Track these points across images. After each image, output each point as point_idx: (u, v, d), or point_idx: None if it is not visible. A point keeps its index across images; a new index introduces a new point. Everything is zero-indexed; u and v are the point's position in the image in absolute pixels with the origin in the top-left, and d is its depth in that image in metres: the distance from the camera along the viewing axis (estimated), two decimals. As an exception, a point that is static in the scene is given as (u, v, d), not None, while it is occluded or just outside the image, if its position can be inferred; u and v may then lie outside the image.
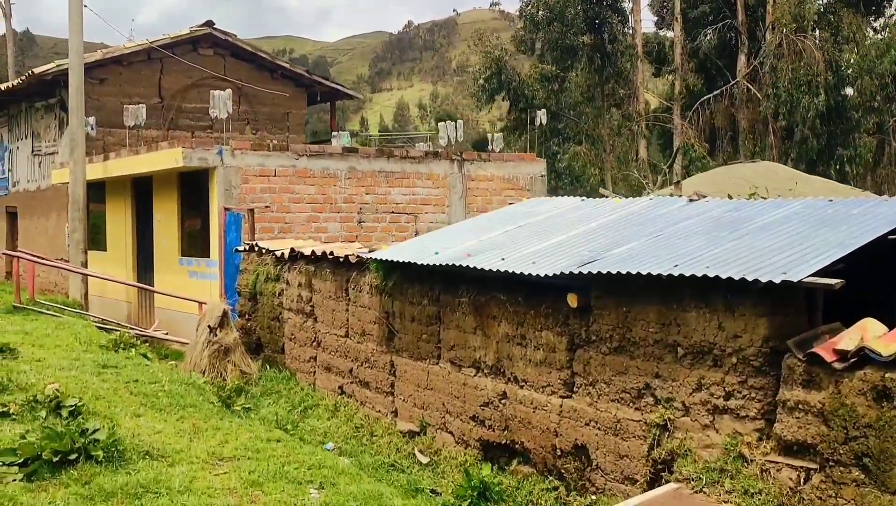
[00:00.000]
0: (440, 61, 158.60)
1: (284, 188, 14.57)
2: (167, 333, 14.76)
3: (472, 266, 7.58)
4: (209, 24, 20.71)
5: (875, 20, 45.55)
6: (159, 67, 20.53)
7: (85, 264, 15.88)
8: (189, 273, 14.96)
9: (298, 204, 14.70)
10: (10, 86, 20.73)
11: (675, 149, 42.99)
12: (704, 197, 8.26)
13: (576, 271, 6.64)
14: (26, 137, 23.00)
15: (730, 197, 8.64)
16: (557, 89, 42.09)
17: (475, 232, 9.06)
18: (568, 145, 42.07)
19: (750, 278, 5.52)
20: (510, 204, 16.79)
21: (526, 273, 7.04)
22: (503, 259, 7.62)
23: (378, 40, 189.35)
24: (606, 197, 10.70)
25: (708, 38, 44.51)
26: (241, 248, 12.57)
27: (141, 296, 16.91)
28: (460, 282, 8.17)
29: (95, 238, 19.06)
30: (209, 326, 11.51)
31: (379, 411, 9.40)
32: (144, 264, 16.86)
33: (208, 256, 14.32)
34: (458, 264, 7.73)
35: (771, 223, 6.76)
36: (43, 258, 15.34)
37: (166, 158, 14.12)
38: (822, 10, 41.74)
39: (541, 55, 43.04)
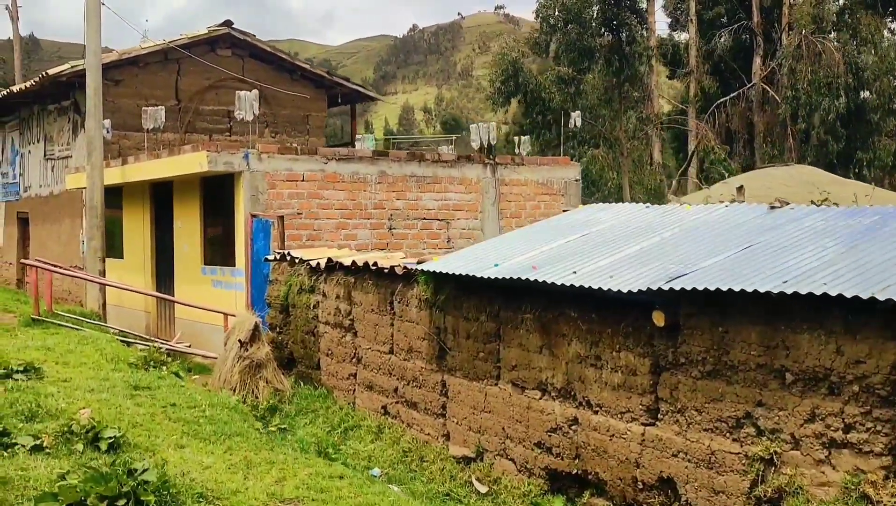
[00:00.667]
0: (445, 65, 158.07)
1: (313, 193, 13.95)
2: (190, 346, 14.14)
3: (540, 280, 6.94)
4: (227, 23, 20.12)
5: (893, 21, 44.90)
6: (176, 69, 19.94)
7: (103, 273, 15.27)
8: (213, 283, 14.34)
9: (327, 210, 14.08)
10: (24, 88, 20.15)
11: (690, 152, 42.39)
12: (788, 204, 7.61)
13: (665, 287, 5.99)
14: (38, 141, 22.42)
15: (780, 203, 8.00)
16: (574, 92, 41.46)
17: (532, 242, 8.41)
18: (584, 149, 41.44)
19: (882, 298, 4.88)
20: (540, 208, 16.16)
21: (605, 288, 6.41)
22: (575, 272, 6.97)
23: (383, 44, 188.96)
24: (673, 203, 10.06)
25: (723, 39, 43.92)
26: (270, 257, 11.94)
27: (160, 306, 16.29)
28: (523, 296, 7.53)
29: (111, 245, 18.44)
30: (240, 341, 10.88)
31: (428, 435, 8.76)
32: (164, 273, 16.25)
33: (233, 265, 13.70)
34: (524, 278, 7.09)
35: (879, 234, 6.11)
36: (62, 267, 14.73)
37: (190, 162, 13.50)
38: (839, 11, 41.14)
39: (555, 57, 42.45)
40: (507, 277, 7.31)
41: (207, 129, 20.09)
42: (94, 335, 11.10)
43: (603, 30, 40.69)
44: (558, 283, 6.81)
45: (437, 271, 8.20)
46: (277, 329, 11.67)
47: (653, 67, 43.65)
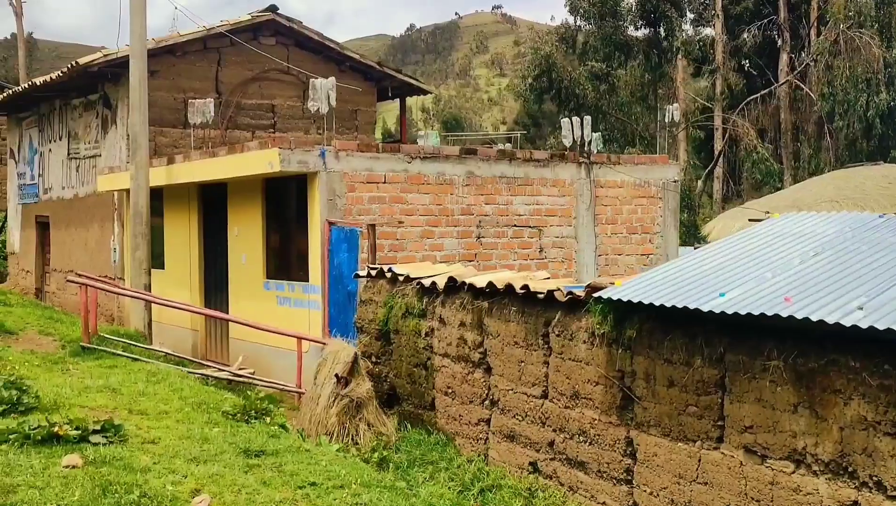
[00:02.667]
0: (443, 65, 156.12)
1: (395, 197, 12.13)
2: (254, 373, 12.31)
3: (804, 318, 5.14)
4: (272, 9, 18.27)
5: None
6: (217, 58, 18.10)
7: (148, 287, 13.44)
8: (278, 299, 12.51)
9: (411, 216, 12.26)
10: (48, 80, 18.30)
11: (717, 151, 40.70)
12: None
13: None
14: (60, 139, 20.57)
15: None
16: (607, 89, 39.73)
17: (750, 263, 6.60)
18: (613, 147, 39.72)
19: None
20: (636, 213, 14.34)
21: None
22: (861, 308, 5.18)
23: (381, 43, 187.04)
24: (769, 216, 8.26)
25: (752, 34, 42.22)
26: (362, 273, 10.10)
27: (209, 324, 14.46)
28: (766, 336, 5.71)
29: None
30: (337, 376, 9.05)
31: (604, 503, 6.94)
32: (214, 286, 14.42)
33: (306, 280, 11.88)
34: (783, 316, 5.28)
35: None
36: (115, 284, 12.88)
37: (256, 161, 11.67)
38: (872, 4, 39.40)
39: (582, 52, 40.74)
40: (755, 314, 5.49)
41: (250, 124, 18.25)
42: (161, 370, 9.26)
43: (640, 23, 38.98)
44: (845, 323, 5.01)
45: (624, 300, 6.38)
46: (374, 359, 9.83)
47: (677, 64, 42.09)
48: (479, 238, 12.82)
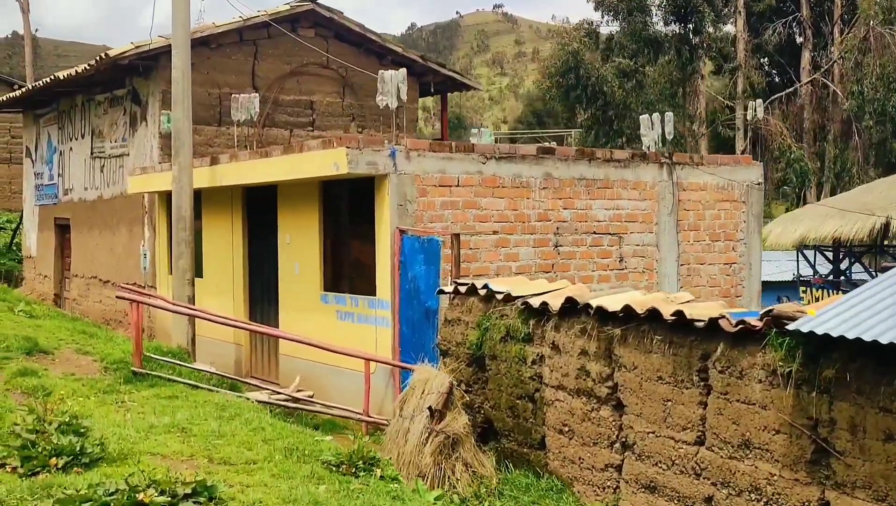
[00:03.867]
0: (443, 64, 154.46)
1: (469, 202, 10.96)
2: (312, 396, 11.16)
3: None
4: (311, -1, 17.12)
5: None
6: (253, 51, 16.92)
7: (192, 299, 12.26)
8: (338, 314, 11.34)
9: (485, 223, 11.09)
10: (72, 74, 17.10)
11: (740, 151, 39.59)
12: None
13: None
14: (82, 137, 19.39)
15: None
16: (634, 86, 38.62)
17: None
18: (637, 146, 38.52)
19: None
20: (720, 219, 13.19)
21: None
22: None
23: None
24: None
25: (777, 31, 41.10)
26: (447, 288, 8.92)
27: (255, 338, 13.29)
28: None
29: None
30: (430, 408, 7.88)
31: (784, 575, 5.79)
32: (261, 298, 13.25)
33: (372, 294, 10.70)
34: None
35: None
36: (169, 302, 11.69)
37: (318, 162, 10.50)
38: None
39: (606, 49, 39.63)
40: None
41: (288, 122, 17.09)
42: (230, 402, 8.08)
43: (670, 18, 37.87)
44: None
45: (834, 335, 5.21)
46: (464, 387, 8.65)
47: (706, 61, 41.10)
48: (556, 246, 11.65)
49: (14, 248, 25.43)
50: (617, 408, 7.09)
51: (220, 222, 13.84)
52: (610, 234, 12.16)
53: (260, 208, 13.17)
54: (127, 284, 16.86)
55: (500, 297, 8.34)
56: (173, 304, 11.14)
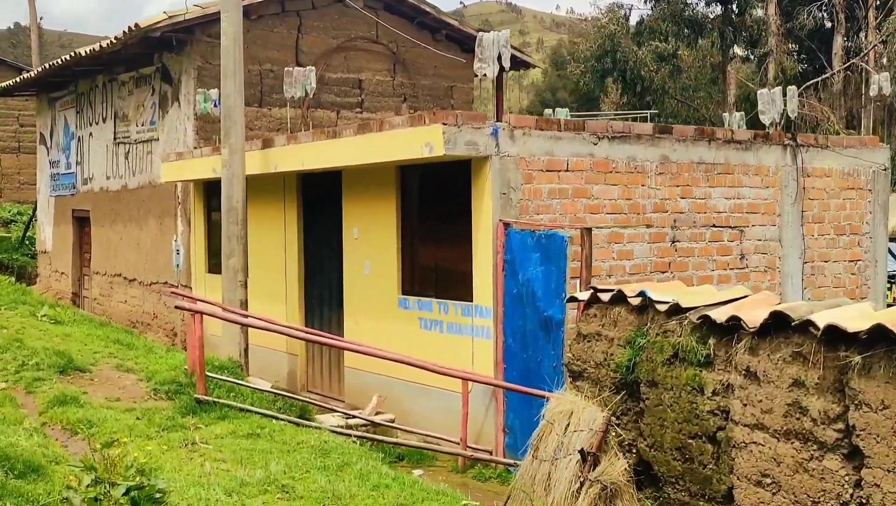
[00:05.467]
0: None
1: (579, 190, 9.26)
2: (394, 420, 9.49)
3: None
4: (361, -34, 15.40)
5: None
6: (297, 23, 15.21)
7: (244, 305, 10.58)
8: (421, 322, 9.65)
9: (597, 214, 9.39)
10: (94, 49, 15.36)
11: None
12: None
13: None
14: (104, 121, 17.70)
15: None
16: (671, 70, 36.94)
17: None
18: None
19: None
20: (845, 209, 11.50)
21: None
22: None
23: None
24: None
25: (812, 15, 39.33)
26: (581, 294, 7.22)
27: (312, 348, 11.61)
28: None
29: (219, 257, 13.78)
30: (582, 452, 6.20)
31: None
32: (319, 301, 11.57)
33: (468, 300, 9.01)
34: None
35: None
36: (239, 314, 9.98)
37: (406, 142, 8.80)
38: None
39: (637, 32, 37.94)
40: None
41: (335, 102, 15.38)
42: (329, 445, 6.40)
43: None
44: None
45: None
46: (612, 417, 6.95)
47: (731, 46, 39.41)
48: (673, 242, 9.95)
49: (27, 242, 23.75)
50: (850, 458, 5.40)
51: (269, 215, 12.14)
52: (730, 227, 10.46)
53: (319, 198, 11.48)
54: (155, 282, 15.22)
55: (662, 307, 6.63)
56: (242, 314, 9.46)
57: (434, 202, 9.70)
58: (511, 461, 8.17)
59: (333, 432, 8.37)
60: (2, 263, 22.20)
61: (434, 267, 9.65)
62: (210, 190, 13.85)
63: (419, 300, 9.70)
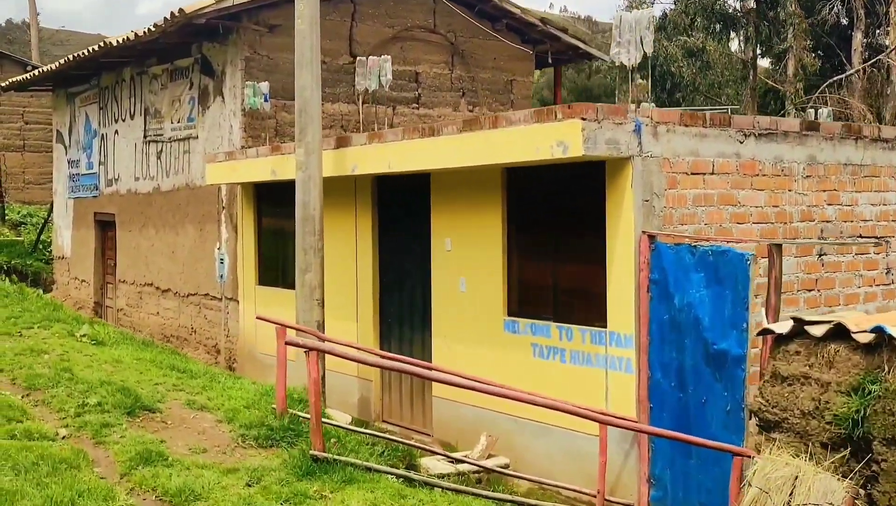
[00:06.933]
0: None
1: (725, 196, 7.97)
2: (508, 466, 8.17)
3: None
4: (419, -54, 14.07)
5: None
6: (350, 10, 13.89)
7: (321, 326, 9.25)
8: (535, 349, 8.34)
9: (742, 225, 8.10)
10: (127, 38, 13.96)
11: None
12: None
13: None
14: (131, 117, 16.34)
15: None
16: (703, 65, 35.78)
17: None
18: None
19: None
20: None
21: None
22: None
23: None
24: None
25: (835, 10, 38.15)
26: (777, 326, 5.92)
27: (388, 373, 10.28)
28: None
29: (273, 268, 12.48)
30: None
31: None
32: (399, 320, 10.24)
33: (599, 325, 7.71)
34: None
35: None
36: (333, 340, 8.65)
37: (530, 140, 7.48)
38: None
39: (661, 27, 36.72)
40: None
41: (390, 97, 14.03)
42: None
43: (749, -10, 34.95)
44: None
45: None
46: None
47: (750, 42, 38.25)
48: (820, 256, 8.65)
49: (40, 246, 22.35)
50: None
51: (337, 223, 10.80)
52: (876, 237, 9.17)
53: (398, 204, 10.16)
54: (197, 294, 13.90)
55: (904, 346, 5.35)
56: (386, 357, 8.04)
57: (551, 210, 8.37)
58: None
59: (439, 476, 7.11)
60: (15, 268, 20.78)
61: (551, 286, 8.32)
62: (262, 193, 12.53)
63: (532, 324, 8.38)
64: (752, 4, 34.52)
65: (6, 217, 25.12)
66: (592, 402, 7.63)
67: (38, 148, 29.01)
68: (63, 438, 6.48)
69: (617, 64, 7.99)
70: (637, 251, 7.35)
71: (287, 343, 6.33)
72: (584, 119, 7.05)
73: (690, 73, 34.45)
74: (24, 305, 12.41)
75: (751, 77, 36.74)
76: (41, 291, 15.62)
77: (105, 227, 17.74)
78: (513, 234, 8.67)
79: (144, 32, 13.45)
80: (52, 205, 21.18)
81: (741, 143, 8.03)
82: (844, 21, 38.77)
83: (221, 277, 13.35)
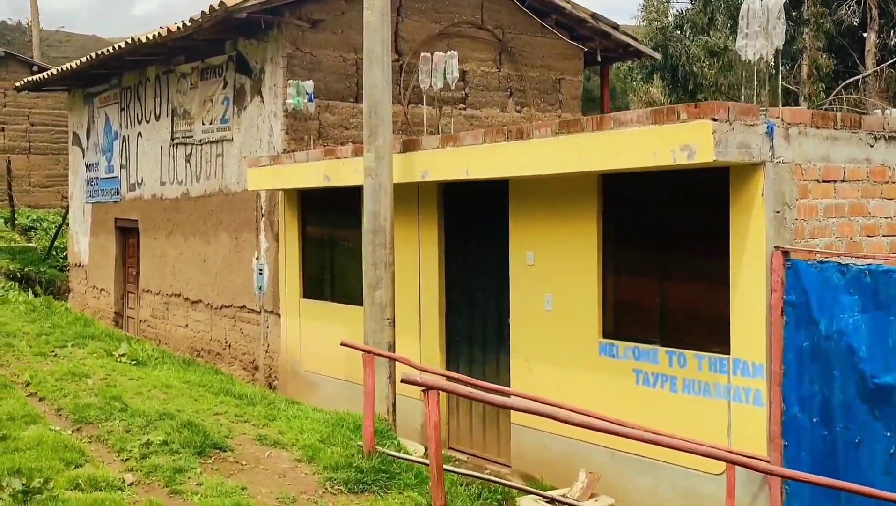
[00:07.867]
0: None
1: (855, 207, 7.16)
2: None
3: None
4: (467, -62, 13.25)
5: None
6: (396, 5, 13.05)
7: (392, 347, 8.42)
8: (638, 376, 7.51)
9: (872, 238, 7.29)
10: (158, 35, 13.10)
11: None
12: None
13: None
14: (157, 118, 15.49)
15: None
16: (724, 65, 35.09)
17: None
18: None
19: None
20: None
21: None
22: None
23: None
24: None
25: (852, 9, 37.46)
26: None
27: (454, 397, 9.42)
28: None
29: (319, 280, 11.65)
30: None
31: None
32: (469, 338, 9.41)
33: (721, 351, 6.89)
34: None
35: None
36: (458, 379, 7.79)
37: (644, 144, 6.65)
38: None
39: (677, 26, 36.05)
40: None
41: (436, 97, 13.20)
42: None
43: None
44: None
45: None
46: None
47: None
48: (947, 271, 7.82)
49: (54, 253, 21.48)
50: None
51: (399, 232, 9.94)
52: None
53: (470, 212, 9.33)
54: (232, 306, 13.06)
55: None
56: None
57: (657, 221, 7.55)
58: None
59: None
60: (28, 276, 19.91)
61: (658, 306, 7.49)
62: (307, 200, 11.70)
63: (635, 348, 7.55)
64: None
65: (16, 222, 24.23)
66: (710, 436, 6.82)
67: (44, 150, 28.16)
68: (131, 484, 5.64)
69: (745, 58, 7.15)
70: (769, 269, 6.52)
71: (404, 381, 5.46)
72: (714, 120, 6.23)
73: (713, 74, 33.73)
74: (53, 321, 11.55)
75: (773, 76, 36.01)
76: (67, 304, 14.71)
77: (126, 233, 16.89)
78: (609, 247, 7.85)
79: (178, 28, 12.61)
80: (66, 210, 20.32)
81: (871, 146, 7.22)
82: (856, 21, 38.10)
83: (260, 288, 12.51)
